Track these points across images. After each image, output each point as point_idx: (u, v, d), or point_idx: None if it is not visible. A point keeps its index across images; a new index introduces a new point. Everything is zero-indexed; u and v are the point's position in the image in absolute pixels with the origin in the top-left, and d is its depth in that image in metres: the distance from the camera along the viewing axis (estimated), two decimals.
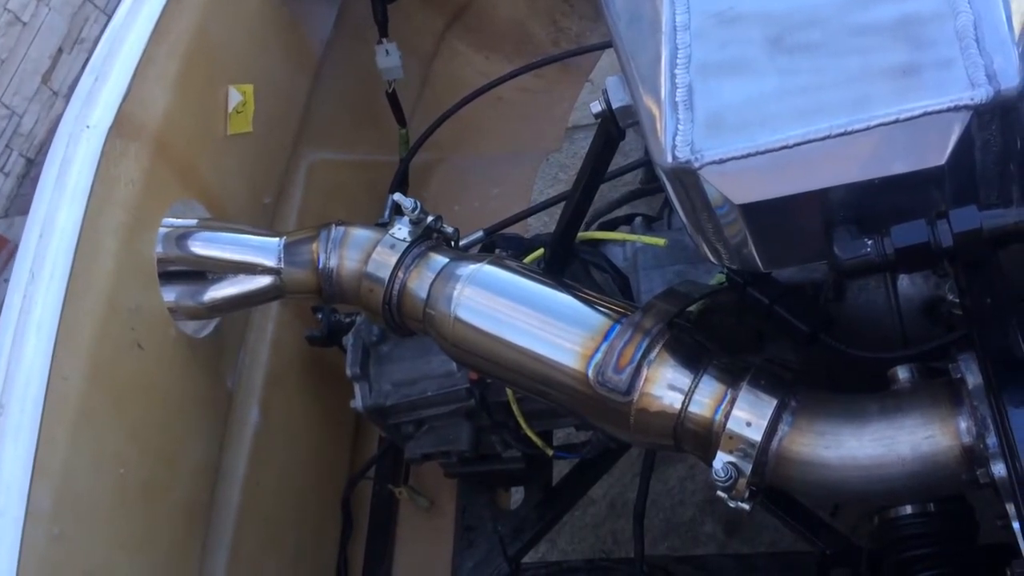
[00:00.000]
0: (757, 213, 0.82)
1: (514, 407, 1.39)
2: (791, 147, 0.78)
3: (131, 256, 1.19)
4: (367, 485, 1.77)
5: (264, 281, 1.29)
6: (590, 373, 1.04)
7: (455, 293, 1.15)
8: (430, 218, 1.28)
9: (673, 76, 0.87)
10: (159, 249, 1.27)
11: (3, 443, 0.95)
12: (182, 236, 1.30)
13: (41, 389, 0.98)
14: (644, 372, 1.01)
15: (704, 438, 1.00)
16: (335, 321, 1.61)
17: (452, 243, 1.33)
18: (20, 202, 3.93)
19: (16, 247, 3.67)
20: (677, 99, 0.85)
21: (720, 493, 0.98)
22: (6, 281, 3.59)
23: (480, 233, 1.58)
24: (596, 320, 1.09)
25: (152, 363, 1.21)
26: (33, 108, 4.09)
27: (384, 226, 1.55)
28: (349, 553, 1.68)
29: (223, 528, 1.38)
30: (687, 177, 0.83)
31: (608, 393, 1.02)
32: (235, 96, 1.49)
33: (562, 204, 1.75)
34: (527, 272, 1.17)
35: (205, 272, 1.32)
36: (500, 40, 2.38)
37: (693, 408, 1.00)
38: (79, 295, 1.07)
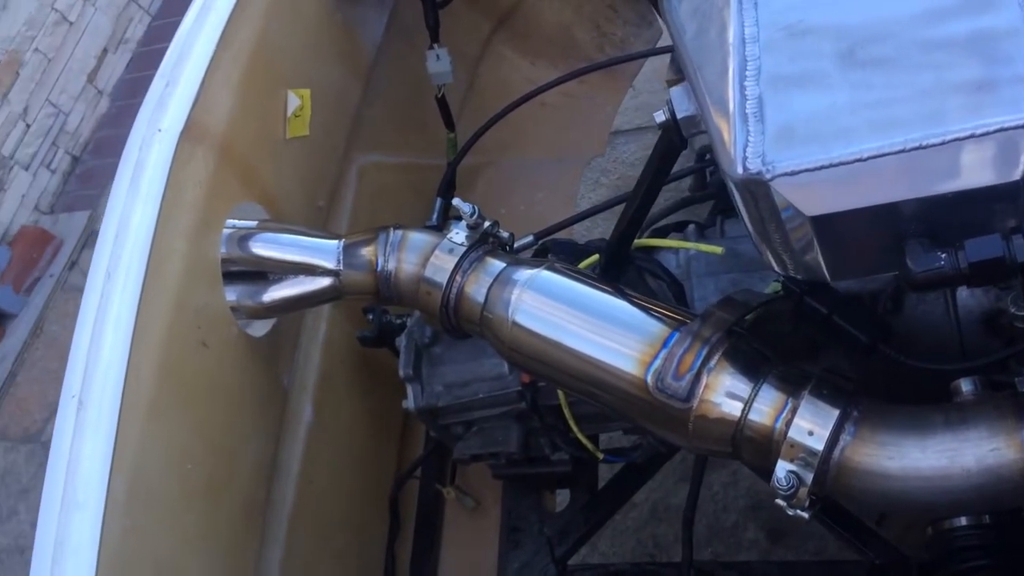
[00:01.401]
0: (828, 225, 0.83)
1: (565, 411, 1.40)
2: (865, 160, 0.79)
3: (198, 256, 1.22)
4: (413, 485, 1.79)
5: (323, 282, 1.32)
6: (649, 379, 1.05)
7: (513, 298, 1.17)
8: (487, 223, 1.30)
9: (743, 88, 0.88)
10: (223, 250, 1.30)
11: (83, 438, 0.98)
12: (244, 237, 1.32)
13: (118, 386, 1.01)
14: (704, 379, 1.02)
15: (763, 446, 1.01)
16: (386, 322, 1.64)
17: (507, 247, 1.34)
18: (66, 199, 4.01)
19: (61, 243, 3.75)
20: (747, 111, 0.86)
21: (779, 501, 0.99)
22: (51, 276, 3.66)
23: (530, 238, 1.59)
24: (655, 327, 1.10)
25: (216, 361, 1.24)
26: (79, 107, 4.17)
27: (434, 228, 1.57)
28: (396, 552, 1.70)
29: (278, 524, 1.41)
30: (757, 188, 0.84)
31: (667, 399, 1.03)
32: (293, 100, 1.51)
33: (610, 209, 1.77)
34: (584, 278, 1.19)
35: (265, 272, 1.35)
36: (545, 45, 2.39)
37: (753, 416, 1.01)
38: (151, 295, 1.09)
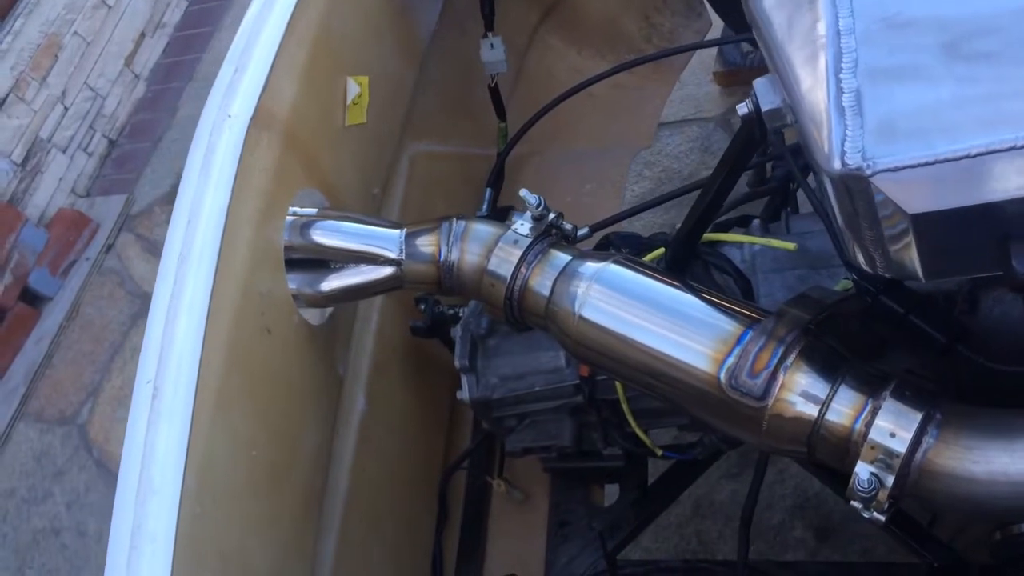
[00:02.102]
0: (929, 223, 0.81)
1: (624, 406, 1.39)
2: (973, 157, 0.76)
3: (263, 243, 1.22)
4: (458, 476, 1.78)
5: (384, 272, 1.31)
6: (722, 377, 1.04)
7: (580, 292, 1.15)
8: (552, 215, 1.28)
9: (838, 80, 0.86)
10: (285, 237, 1.29)
11: (159, 424, 0.98)
12: (306, 225, 1.31)
13: (193, 373, 1.00)
14: (780, 378, 1.00)
15: (840, 447, 0.99)
16: (438, 313, 1.63)
17: (570, 240, 1.33)
18: (102, 182, 4.04)
19: (98, 226, 3.78)
20: (844, 104, 0.84)
21: (855, 503, 0.97)
22: (87, 260, 3.70)
23: (586, 229, 1.58)
24: (727, 324, 1.08)
25: (278, 348, 1.23)
26: (116, 90, 4.19)
27: (495, 219, 1.56)
28: (443, 542, 1.70)
29: (332, 512, 1.40)
30: (855, 183, 0.82)
31: (741, 397, 1.02)
32: (353, 87, 1.50)
33: (663, 204, 1.75)
34: (653, 273, 1.17)
35: (325, 260, 1.35)
36: (592, 35, 2.37)
37: (831, 416, 0.99)
38: (221, 280, 1.09)
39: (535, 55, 2.31)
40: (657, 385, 1.13)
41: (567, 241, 1.32)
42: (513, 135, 2.00)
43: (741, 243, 1.34)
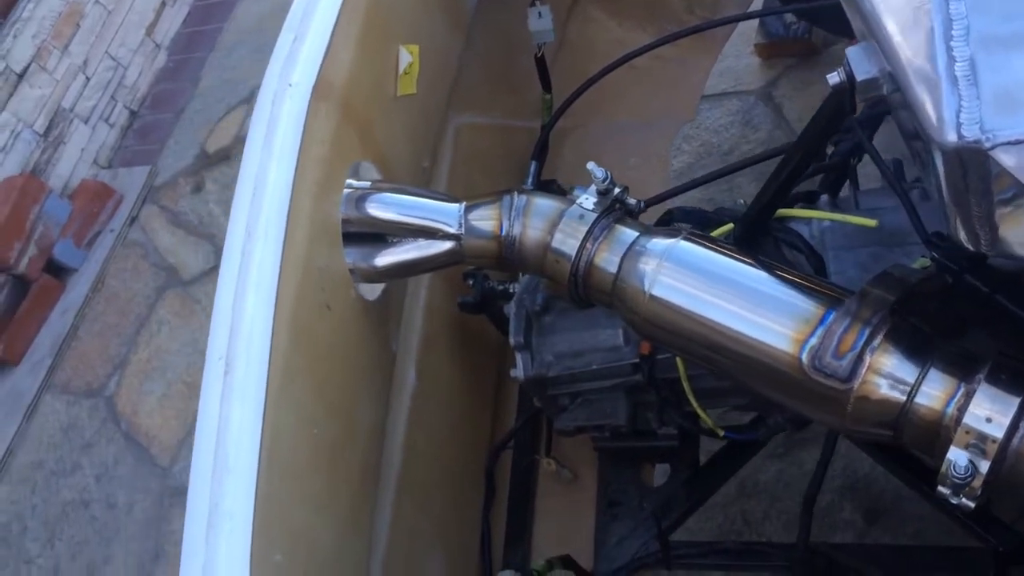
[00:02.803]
0: None
1: (685, 385, 1.36)
2: None
3: (321, 216, 1.18)
4: (504, 454, 1.76)
5: (444, 246, 1.27)
6: (804, 358, 1.01)
7: (650, 269, 1.12)
8: (617, 189, 1.25)
9: (949, 49, 0.82)
10: (342, 210, 1.26)
11: (232, 401, 0.95)
12: (362, 198, 1.28)
13: (264, 349, 0.97)
14: (867, 360, 0.97)
15: (930, 432, 0.96)
16: (488, 288, 1.60)
17: (635, 215, 1.29)
18: (124, 153, 4.00)
19: (122, 198, 3.74)
20: (957, 73, 0.80)
21: (943, 489, 0.94)
22: (112, 231, 3.66)
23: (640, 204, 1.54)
24: (807, 303, 1.05)
25: (337, 324, 1.20)
26: (137, 60, 4.14)
27: (547, 193, 1.52)
28: (491, 520, 1.68)
29: (386, 488, 1.38)
30: (972, 157, 0.78)
31: (825, 379, 0.99)
32: (405, 57, 1.46)
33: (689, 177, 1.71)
34: (726, 250, 1.14)
35: (381, 234, 1.31)
36: (634, 6, 2.31)
37: (920, 399, 0.96)
38: (286, 255, 1.06)
39: (576, 27, 2.26)
40: (729, 365, 1.10)
41: (631, 216, 1.28)
42: (557, 107, 1.95)
43: (809, 219, 1.30)
